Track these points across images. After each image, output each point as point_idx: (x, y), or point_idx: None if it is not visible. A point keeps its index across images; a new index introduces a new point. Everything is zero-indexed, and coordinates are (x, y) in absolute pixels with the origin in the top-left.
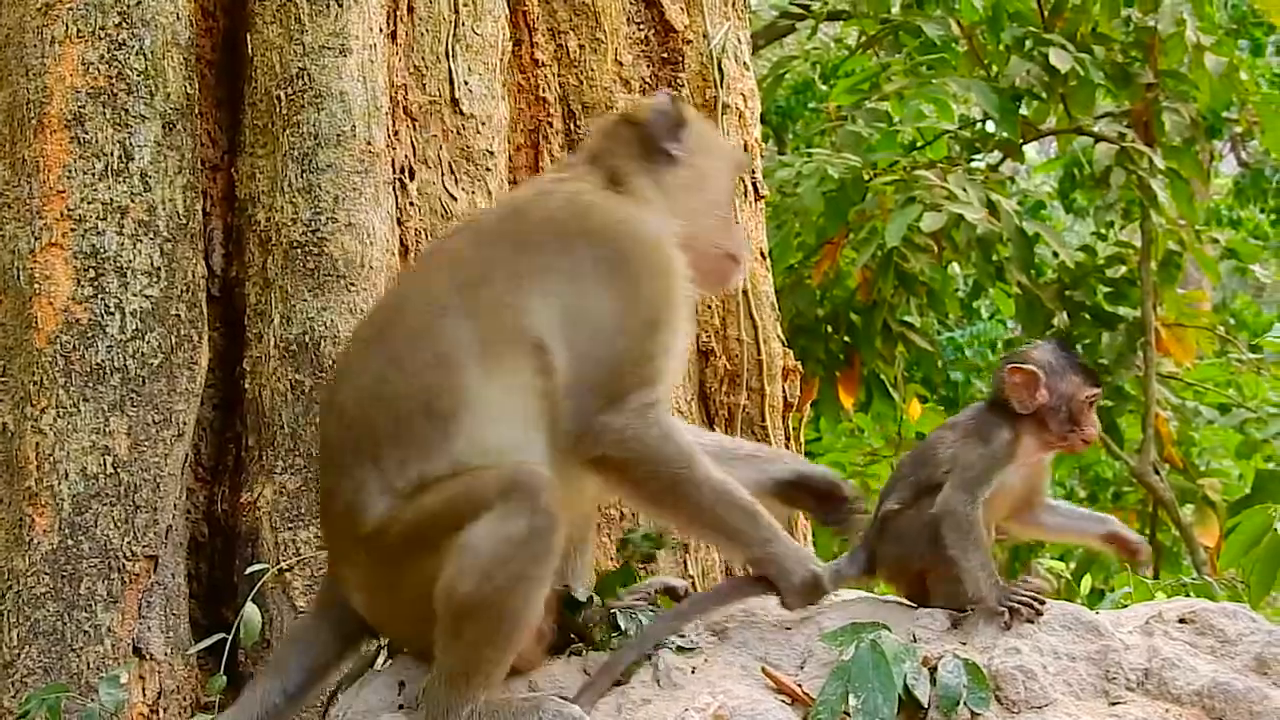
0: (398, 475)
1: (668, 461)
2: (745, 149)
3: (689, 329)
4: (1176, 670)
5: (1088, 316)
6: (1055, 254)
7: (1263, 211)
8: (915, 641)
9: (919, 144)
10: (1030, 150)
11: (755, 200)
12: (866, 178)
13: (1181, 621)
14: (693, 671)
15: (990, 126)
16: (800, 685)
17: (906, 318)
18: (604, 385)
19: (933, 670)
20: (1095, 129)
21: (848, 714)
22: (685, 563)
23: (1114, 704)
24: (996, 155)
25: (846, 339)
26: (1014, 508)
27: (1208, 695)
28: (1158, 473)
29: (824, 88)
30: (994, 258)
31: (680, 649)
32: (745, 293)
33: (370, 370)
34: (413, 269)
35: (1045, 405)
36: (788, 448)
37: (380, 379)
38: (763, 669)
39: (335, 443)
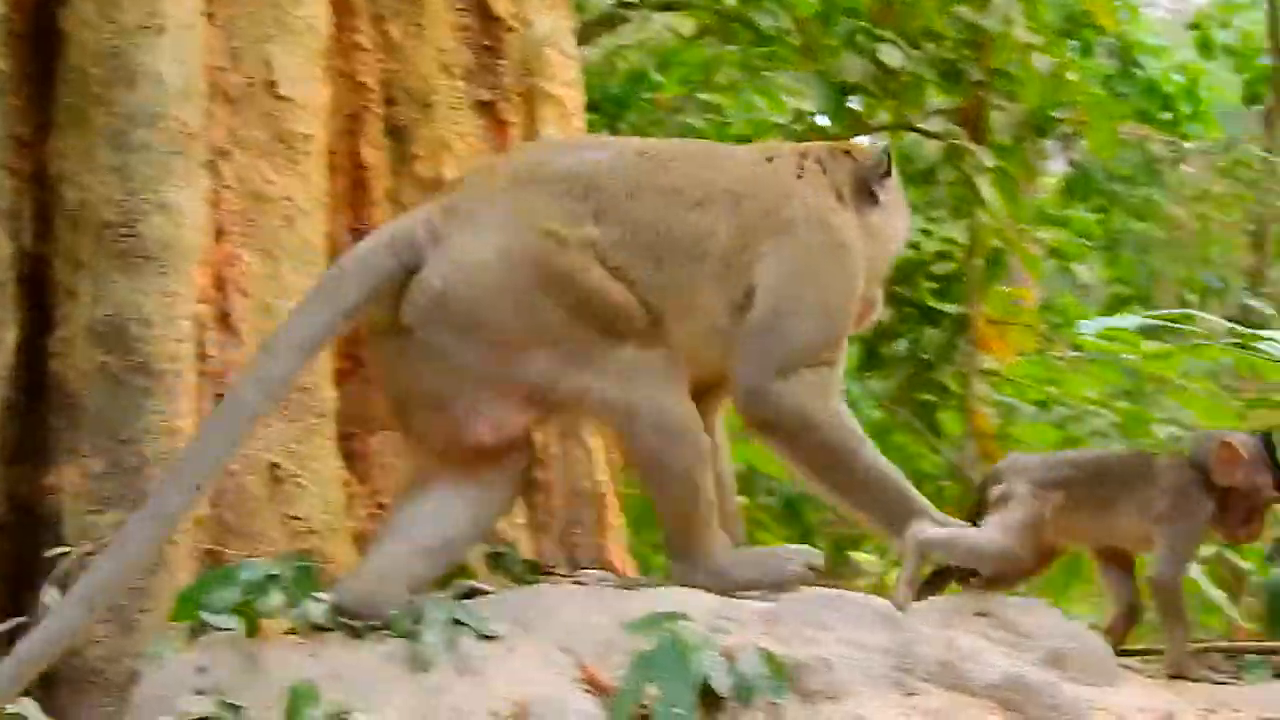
0: None
1: (838, 439)
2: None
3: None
4: (973, 663)
5: (913, 311)
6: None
7: (1090, 211)
8: (716, 632)
9: (750, 137)
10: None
11: None
12: None
13: (980, 615)
14: (495, 660)
15: (821, 121)
16: (603, 675)
17: None
18: (792, 354)
19: (733, 660)
20: (925, 126)
21: (647, 705)
22: None
23: (910, 695)
24: None
25: None
26: None
27: (1003, 688)
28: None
29: (658, 78)
30: None
31: (483, 637)
32: None
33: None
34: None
35: (1237, 490)
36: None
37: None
38: (573, 660)
39: None
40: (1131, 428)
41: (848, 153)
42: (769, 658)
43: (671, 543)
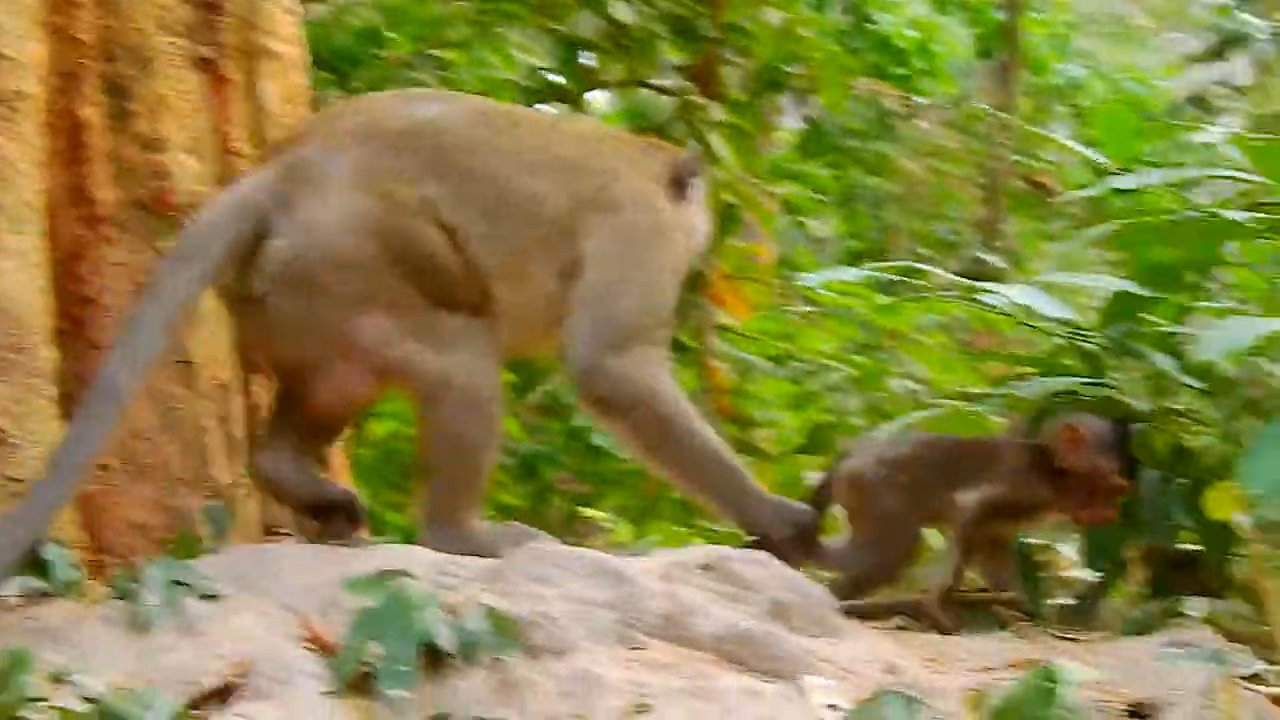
0: None
1: (671, 414)
2: (288, 96)
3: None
4: (696, 616)
5: None
6: None
7: (824, 166)
8: (440, 589)
9: (482, 93)
10: (600, 101)
11: None
12: None
13: (703, 569)
14: (218, 619)
15: (554, 78)
16: (326, 633)
17: None
18: (624, 330)
19: (457, 617)
20: (658, 82)
21: (371, 662)
22: None
23: (635, 649)
24: (561, 106)
25: None
26: None
27: (725, 640)
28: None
29: (390, 35)
30: None
31: (204, 596)
32: None
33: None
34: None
35: (1079, 472)
36: None
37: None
38: (298, 615)
39: None
40: (867, 382)
41: (661, 148)
42: (493, 614)
43: (435, 510)
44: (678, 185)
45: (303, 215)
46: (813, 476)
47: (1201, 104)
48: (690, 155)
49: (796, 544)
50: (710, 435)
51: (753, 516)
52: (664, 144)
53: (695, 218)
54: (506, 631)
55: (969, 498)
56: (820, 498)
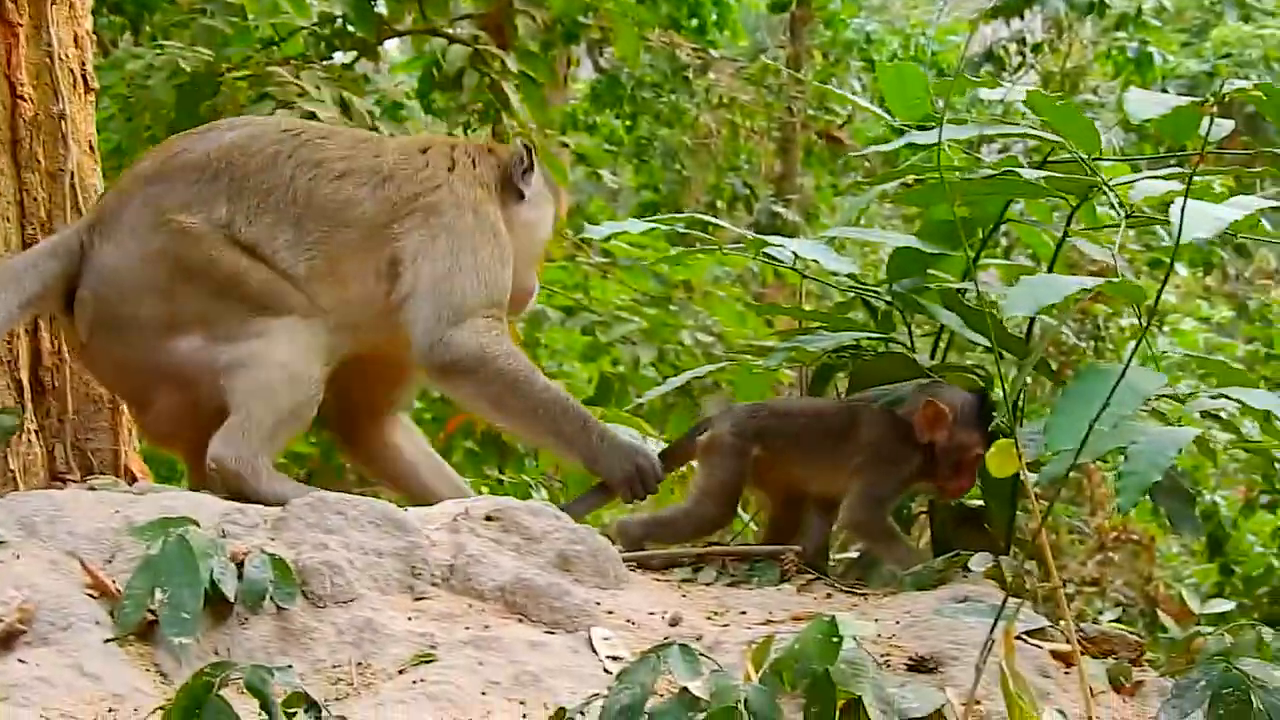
0: None
1: (512, 369)
2: (75, 41)
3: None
4: (481, 566)
5: None
6: None
7: (618, 117)
8: (225, 537)
9: (275, 40)
10: (394, 49)
11: (85, 93)
12: (220, 72)
13: (489, 519)
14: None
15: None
16: (109, 579)
17: None
18: (460, 306)
19: (240, 565)
20: (450, 30)
21: (154, 609)
22: None
23: (419, 599)
24: (354, 54)
25: None
26: None
27: (510, 591)
28: None
29: None
30: None
31: None
32: (72, 185)
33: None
34: (344, 137)
35: (942, 446)
36: None
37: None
38: (80, 562)
39: None
40: (658, 333)
41: (492, 151)
42: (277, 562)
43: (227, 434)
44: (510, 187)
45: (99, 261)
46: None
47: (996, 60)
48: (516, 153)
49: (633, 483)
50: (551, 385)
51: (597, 458)
52: (496, 146)
53: (535, 211)
54: (290, 580)
55: (854, 485)
56: (671, 458)
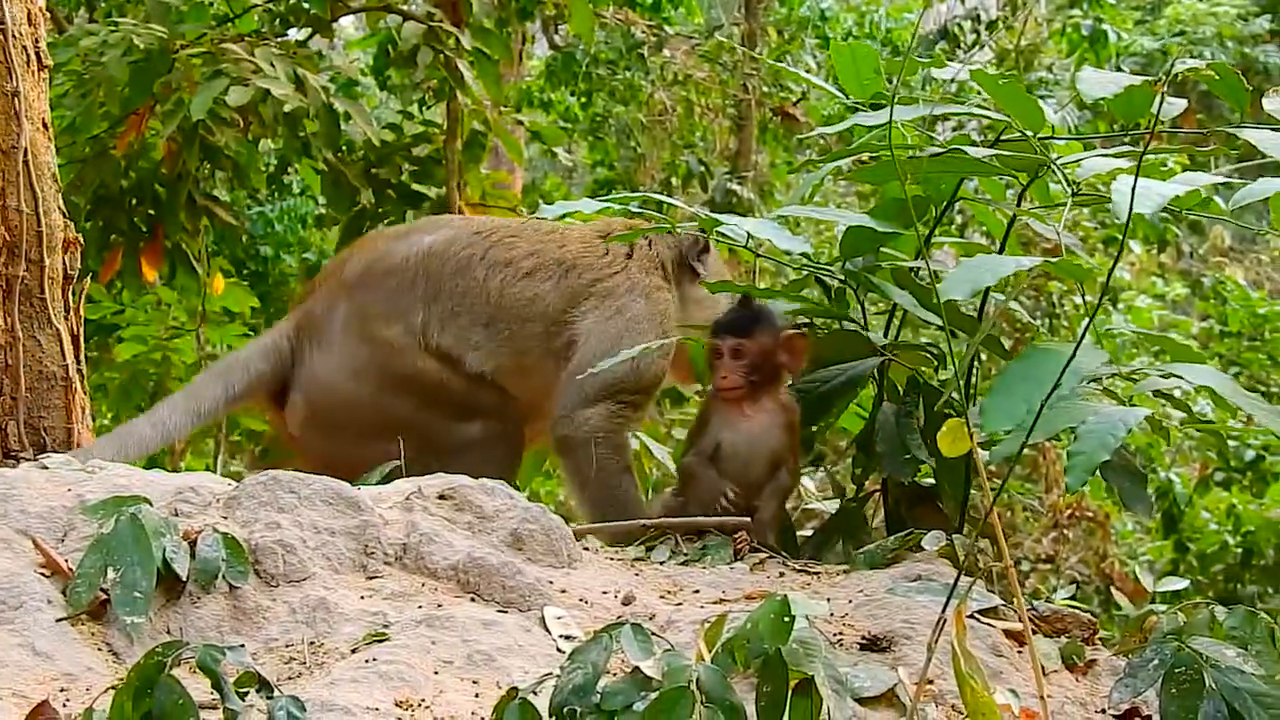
0: None
1: (607, 462)
2: (29, 18)
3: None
4: (434, 545)
5: (393, 194)
6: (364, 131)
7: (573, 95)
8: (177, 516)
9: (229, 16)
10: (349, 26)
11: (39, 70)
12: (174, 49)
13: (441, 498)
14: None
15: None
16: (61, 558)
17: (214, 192)
18: (599, 388)
19: (193, 544)
20: (404, 7)
21: (106, 588)
22: None
23: (372, 578)
24: (308, 31)
25: (151, 212)
26: None
27: (463, 570)
28: None
29: None
30: (301, 134)
31: None
32: (25, 162)
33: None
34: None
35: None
36: (67, 320)
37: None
38: (33, 540)
39: None
40: None
41: (672, 232)
42: (229, 541)
43: None
44: (686, 267)
45: (310, 369)
46: None
47: (951, 38)
48: (693, 236)
49: None
50: (630, 488)
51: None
52: (671, 233)
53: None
54: (242, 559)
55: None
56: None
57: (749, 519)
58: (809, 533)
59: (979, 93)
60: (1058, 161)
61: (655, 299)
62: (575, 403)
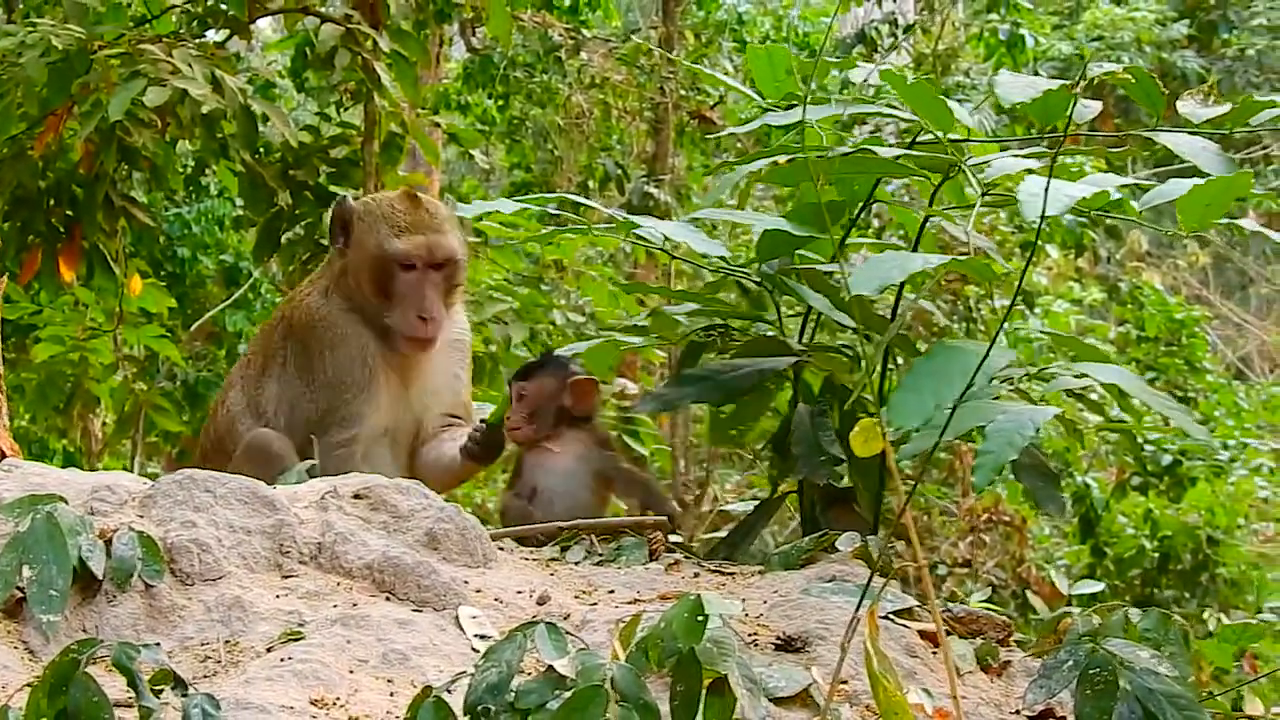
0: None
1: None
2: None
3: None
4: (349, 544)
5: (310, 196)
6: (281, 133)
7: (490, 97)
8: (93, 514)
9: (147, 18)
10: (267, 28)
11: None
12: (91, 50)
13: (357, 497)
14: None
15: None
16: None
17: (131, 193)
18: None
19: (109, 543)
20: (322, 9)
21: (22, 586)
22: None
23: (287, 577)
24: (226, 32)
25: (69, 212)
26: None
27: (378, 569)
28: None
29: None
30: (219, 135)
31: None
32: None
33: None
34: None
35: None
36: None
37: None
38: None
39: None
40: (530, 312)
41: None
42: (145, 540)
43: None
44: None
45: None
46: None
47: (868, 41)
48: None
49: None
50: None
51: None
52: None
53: (359, 255)
54: (158, 557)
55: None
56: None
57: (666, 518)
58: (723, 535)
59: (893, 95)
60: (970, 163)
61: None
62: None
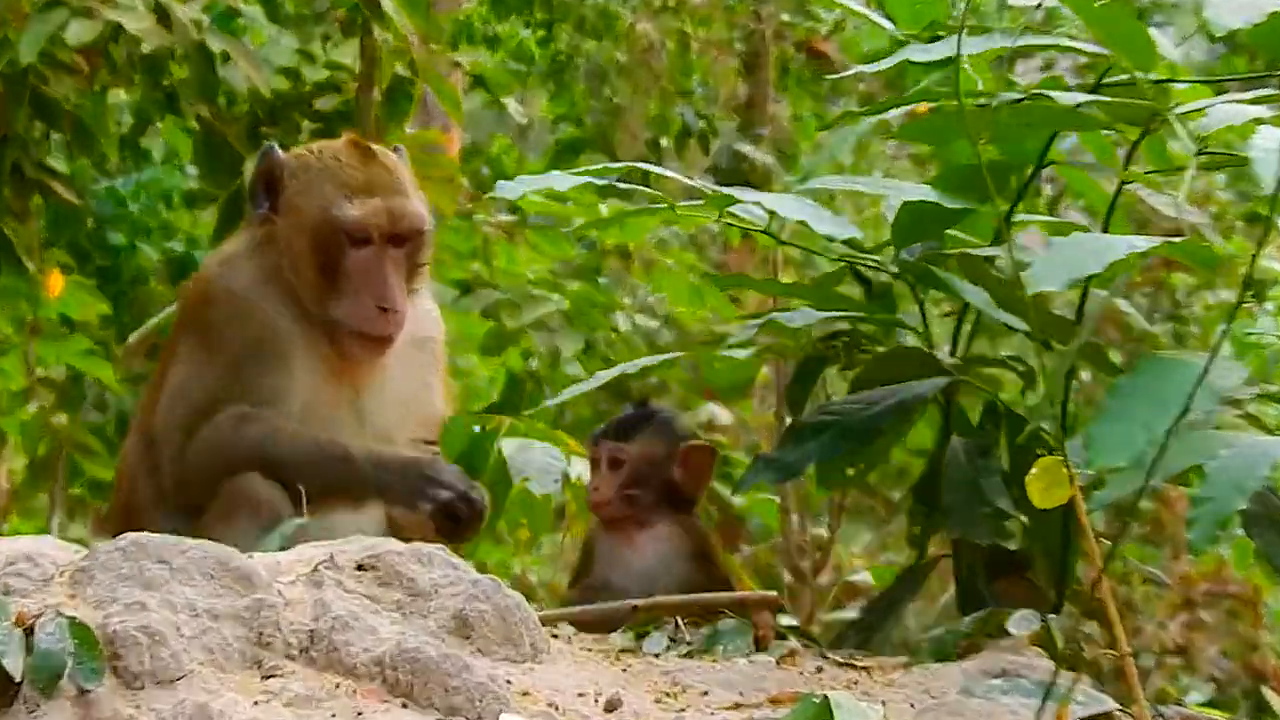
0: None
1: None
2: None
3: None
4: (351, 632)
5: None
6: (248, 79)
7: (527, 26)
8: (7, 595)
9: None
10: None
11: None
12: None
13: (361, 568)
14: None
15: None
16: None
17: (48, 161)
18: None
19: (29, 632)
20: None
21: None
22: None
23: (269, 676)
24: None
25: None
26: None
27: (391, 665)
28: None
29: None
30: (166, 82)
31: None
32: None
33: None
34: None
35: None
36: None
37: None
38: None
39: None
40: (584, 316)
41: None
42: (77, 628)
43: None
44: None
45: None
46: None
47: None
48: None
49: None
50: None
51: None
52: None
53: (292, 223)
54: (96, 652)
55: None
56: None
57: (774, 594)
58: (853, 614)
59: (1072, 22)
60: (1177, 111)
61: None
62: None
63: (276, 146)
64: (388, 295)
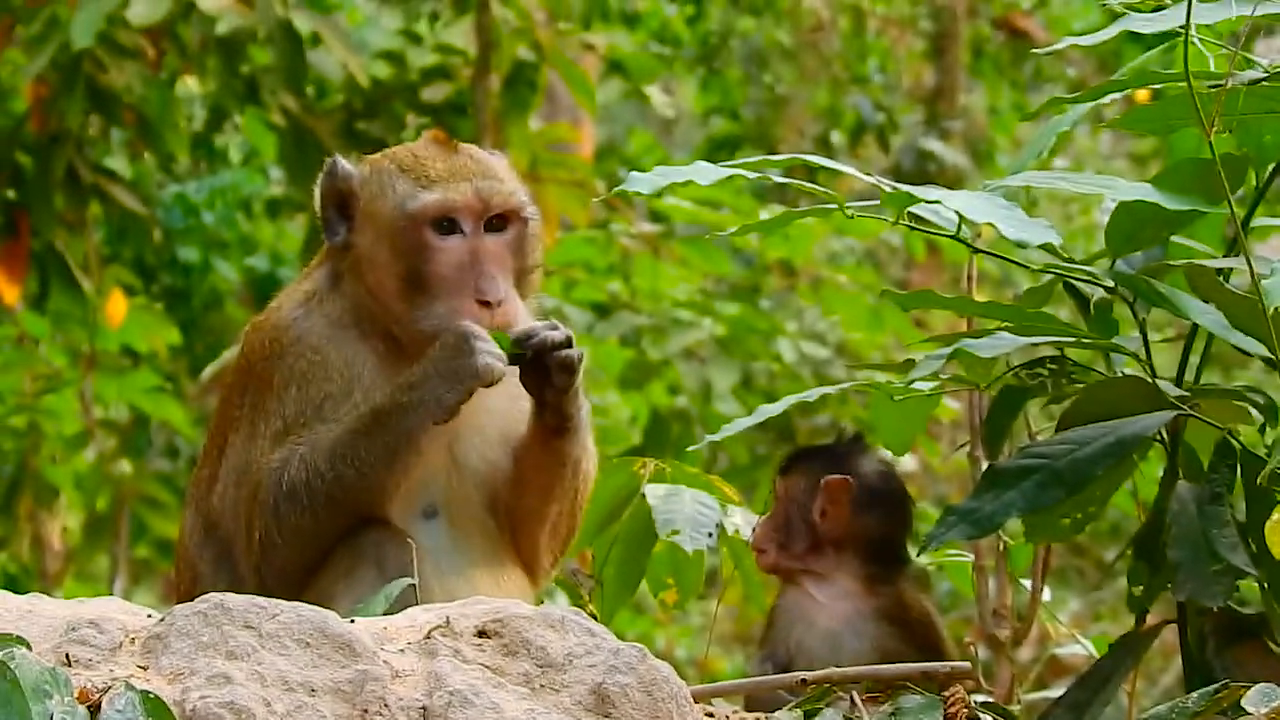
0: None
1: None
2: None
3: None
4: (471, 709)
5: None
6: (343, 64)
7: (673, 2)
8: (70, 664)
9: None
10: None
11: None
12: None
13: (482, 635)
14: None
15: None
16: None
17: (106, 162)
18: None
19: (95, 709)
20: None
21: None
22: None
23: None
24: None
25: (9, 193)
26: None
27: None
28: None
29: None
30: (245, 69)
31: None
32: None
33: None
34: None
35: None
36: None
37: None
38: None
39: None
40: (741, 343)
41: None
42: (151, 703)
43: None
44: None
45: None
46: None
47: None
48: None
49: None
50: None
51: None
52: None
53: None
54: None
55: None
56: None
57: (968, 664)
58: (1059, 692)
59: None
60: None
61: None
62: None
63: (341, 159)
64: (486, 286)
